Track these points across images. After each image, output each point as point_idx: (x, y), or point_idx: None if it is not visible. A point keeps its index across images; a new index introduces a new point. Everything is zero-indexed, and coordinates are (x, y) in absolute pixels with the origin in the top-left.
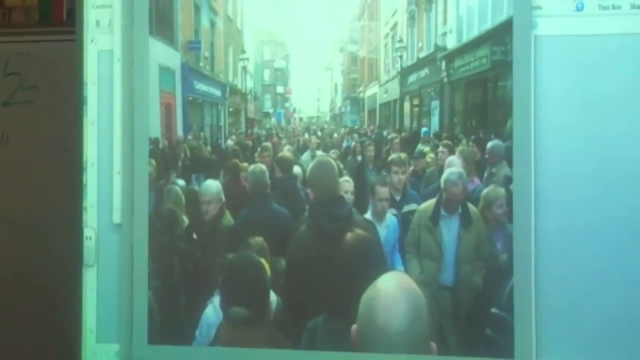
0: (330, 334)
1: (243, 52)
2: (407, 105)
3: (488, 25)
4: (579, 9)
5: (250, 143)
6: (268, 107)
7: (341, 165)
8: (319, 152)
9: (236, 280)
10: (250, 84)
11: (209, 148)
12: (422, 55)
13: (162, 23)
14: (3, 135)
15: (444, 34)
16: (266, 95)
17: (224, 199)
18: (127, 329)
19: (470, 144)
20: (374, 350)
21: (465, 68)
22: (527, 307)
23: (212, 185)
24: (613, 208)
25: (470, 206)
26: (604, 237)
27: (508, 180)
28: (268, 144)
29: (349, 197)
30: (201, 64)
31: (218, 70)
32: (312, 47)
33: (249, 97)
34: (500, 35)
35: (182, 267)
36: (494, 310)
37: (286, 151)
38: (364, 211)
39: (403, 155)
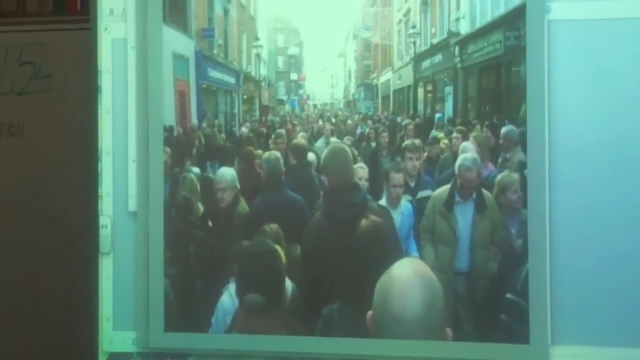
0: (345, 320)
1: (256, 39)
2: (420, 91)
3: (501, 10)
4: None
5: (264, 130)
6: (282, 94)
7: (355, 152)
8: (333, 139)
9: (252, 267)
10: (264, 71)
11: (223, 135)
12: (435, 41)
13: (175, 11)
14: (18, 124)
15: (457, 19)
16: (280, 82)
17: (238, 186)
18: (144, 317)
19: (484, 129)
20: (389, 336)
21: (479, 53)
22: (542, 293)
23: (227, 173)
24: (628, 192)
25: (485, 192)
26: (619, 222)
27: (522, 166)
28: (282, 130)
29: (363, 184)
30: (215, 52)
31: (232, 58)
32: (325, 34)
33: (262, 84)
34: (514, 20)
35: (197, 255)
36: (509, 295)
37: (300, 138)
38: (379, 198)
39: (417, 141)
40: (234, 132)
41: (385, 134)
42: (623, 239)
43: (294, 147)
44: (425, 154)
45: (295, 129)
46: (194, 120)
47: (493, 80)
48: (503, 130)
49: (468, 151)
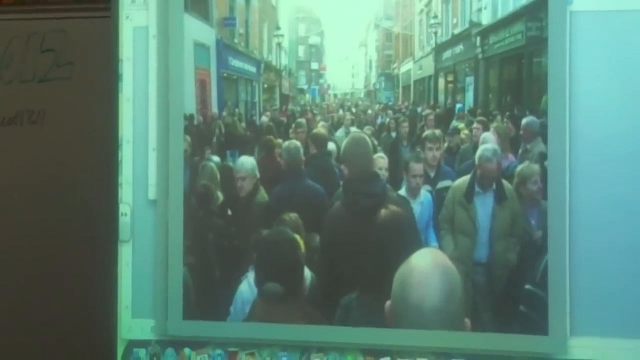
0: (364, 310)
1: (278, 28)
2: (441, 82)
3: (523, 1)
4: None
5: (284, 120)
6: (303, 83)
7: (375, 142)
8: (353, 129)
9: (271, 256)
10: (285, 60)
11: (243, 124)
12: (457, 31)
13: None
14: (39, 111)
15: (479, 10)
16: (301, 71)
17: (258, 175)
18: (163, 305)
19: (505, 120)
20: (408, 326)
21: (501, 44)
22: (561, 284)
23: (247, 162)
24: None
25: (505, 183)
26: (639, 215)
27: (543, 157)
28: (302, 120)
29: (383, 174)
30: (236, 41)
31: (253, 47)
32: (346, 24)
33: (283, 73)
34: (536, 11)
35: (216, 244)
36: (528, 287)
37: (320, 128)
38: (398, 188)
39: (437, 131)
40: (254, 121)
41: (406, 124)
42: None
43: (314, 137)
44: (446, 145)
45: (315, 119)
46: (215, 109)
47: (514, 71)
48: (524, 121)
49: (489, 142)
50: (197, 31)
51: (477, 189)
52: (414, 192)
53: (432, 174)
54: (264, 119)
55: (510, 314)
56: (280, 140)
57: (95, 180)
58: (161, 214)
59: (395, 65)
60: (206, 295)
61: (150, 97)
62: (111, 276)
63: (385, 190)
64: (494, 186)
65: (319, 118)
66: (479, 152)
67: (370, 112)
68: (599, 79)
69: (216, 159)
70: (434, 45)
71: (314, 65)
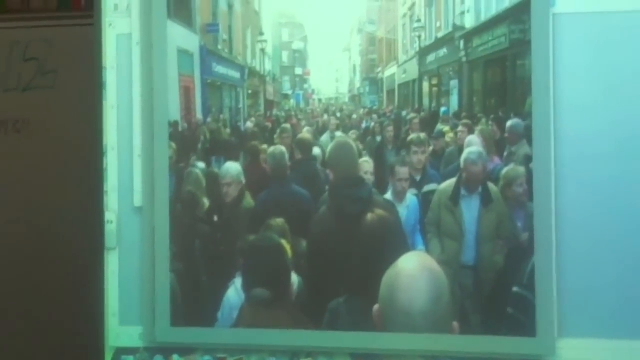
0: (352, 314)
1: (261, 34)
2: (426, 85)
3: (506, 3)
4: None
5: (269, 125)
6: (287, 88)
7: (360, 146)
8: (338, 133)
9: (257, 261)
10: (268, 66)
11: (228, 130)
12: (440, 35)
13: (180, 6)
14: (24, 120)
15: (462, 13)
16: (285, 77)
17: (244, 181)
18: (150, 312)
19: (490, 123)
20: (396, 330)
21: (484, 47)
22: (548, 286)
23: (232, 168)
24: (633, 186)
25: (491, 185)
26: (624, 215)
27: (528, 159)
28: (287, 125)
29: (369, 178)
30: (219, 47)
31: (236, 53)
32: (330, 28)
33: (267, 79)
34: (519, 14)
35: (203, 250)
36: (515, 289)
37: (305, 132)
38: (384, 192)
39: (422, 135)
40: (239, 127)
41: (391, 128)
42: (629, 231)
43: (299, 142)
44: (431, 148)
45: (300, 124)
46: (199, 115)
47: (498, 73)
48: (509, 123)
49: (474, 145)
50: (181, 38)
51: (463, 191)
52: (400, 195)
53: (418, 178)
54: (249, 124)
55: (498, 316)
56: (265, 146)
57: (80, 187)
58: (147, 221)
59: (379, 69)
60: (194, 301)
61: (134, 104)
62: (98, 284)
63: (371, 194)
64: (480, 189)
65: (303, 123)
66: (464, 155)
67: (354, 116)
68: (582, 81)
69: (201, 165)
70: (417, 49)
71: (298, 70)
